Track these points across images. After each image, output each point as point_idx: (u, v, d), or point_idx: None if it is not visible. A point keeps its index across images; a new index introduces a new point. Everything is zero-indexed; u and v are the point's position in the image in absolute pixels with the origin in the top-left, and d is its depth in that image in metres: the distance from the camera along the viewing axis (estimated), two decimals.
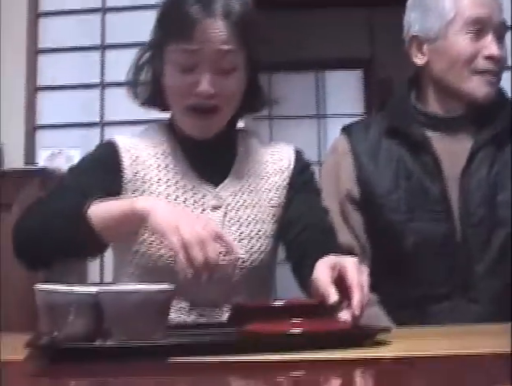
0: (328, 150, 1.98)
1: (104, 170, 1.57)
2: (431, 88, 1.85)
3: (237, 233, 1.57)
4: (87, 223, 1.36)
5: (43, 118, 3.73)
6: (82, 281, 3.36)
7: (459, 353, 1.05)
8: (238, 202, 1.61)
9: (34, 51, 3.76)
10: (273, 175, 1.66)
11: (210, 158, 1.61)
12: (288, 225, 1.63)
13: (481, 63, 1.75)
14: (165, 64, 1.55)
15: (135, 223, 1.37)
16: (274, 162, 1.68)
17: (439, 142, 1.80)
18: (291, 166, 1.67)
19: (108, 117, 3.67)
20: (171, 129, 1.65)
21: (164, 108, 1.63)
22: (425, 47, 1.82)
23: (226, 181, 1.62)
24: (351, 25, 5.83)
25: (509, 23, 1.80)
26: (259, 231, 1.60)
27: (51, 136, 3.69)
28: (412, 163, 1.79)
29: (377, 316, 1.69)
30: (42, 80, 3.76)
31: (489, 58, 1.75)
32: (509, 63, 1.87)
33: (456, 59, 1.77)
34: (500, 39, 1.78)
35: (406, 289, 1.76)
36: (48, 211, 1.46)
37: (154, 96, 1.62)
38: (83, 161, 1.64)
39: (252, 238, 1.58)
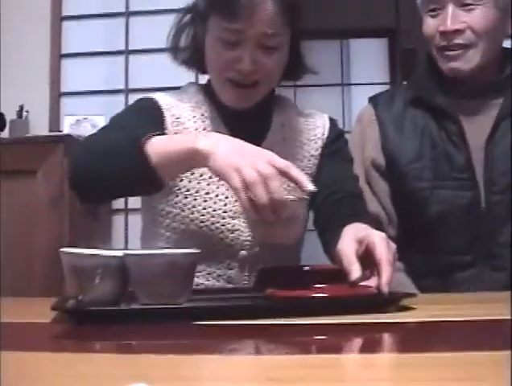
0: (354, 120, 1.97)
1: (150, 120, 1.53)
2: None
3: None
4: (144, 158, 1.26)
5: (67, 85, 3.74)
6: (107, 246, 3.39)
7: (481, 319, 1.05)
8: None
9: (58, 18, 3.76)
10: (307, 144, 1.66)
11: (246, 124, 1.58)
12: (318, 190, 1.62)
13: (438, 40, 1.76)
14: (207, 33, 1.53)
15: (196, 162, 1.27)
16: (309, 130, 1.67)
17: (463, 111, 1.79)
18: (325, 136, 1.67)
19: (132, 84, 3.67)
20: (208, 92, 1.62)
21: (203, 71, 1.62)
22: None
23: (261, 147, 1.60)
24: None
25: None
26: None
27: (76, 103, 3.70)
28: (437, 132, 1.79)
29: (403, 283, 1.70)
30: (66, 48, 3.77)
31: (443, 33, 1.74)
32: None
33: (426, 37, 1.80)
34: (466, 6, 1.73)
35: (431, 257, 1.77)
36: (104, 146, 1.36)
37: (194, 59, 1.61)
38: (127, 110, 1.60)
39: None
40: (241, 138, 1.57)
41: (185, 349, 0.89)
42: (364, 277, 1.22)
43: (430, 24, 1.77)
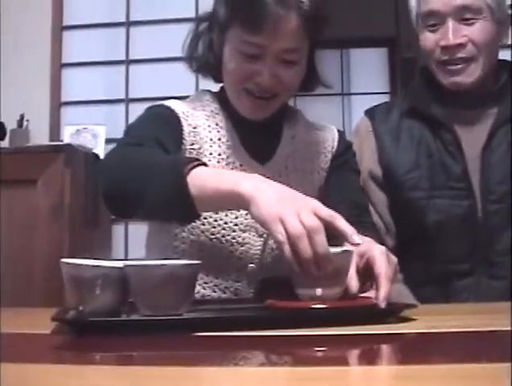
0: (351, 132, 1.98)
1: (171, 131, 1.50)
2: None
3: None
4: (185, 190, 1.20)
5: (68, 95, 3.75)
6: (107, 255, 3.38)
7: (482, 330, 1.05)
8: (283, 182, 1.56)
9: (59, 28, 3.77)
10: (317, 157, 1.65)
11: (259, 135, 1.59)
12: (324, 200, 1.62)
13: (438, 55, 1.77)
14: (226, 43, 1.51)
15: (237, 205, 1.21)
16: (319, 143, 1.67)
17: (459, 121, 1.81)
18: (334, 149, 1.67)
19: (132, 94, 3.68)
20: (222, 101, 1.61)
21: (219, 80, 1.60)
22: None
23: (272, 161, 1.60)
24: (376, 3, 5.79)
25: (479, 4, 1.76)
26: None
27: (76, 113, 3.70)
28: (433, 142, 1.81)
29: (402, 293, 1.70)
30: (67, 57, 3.77)
31: (445, 48, 1.75)
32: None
33: (424, 53, 1.81)
34: (466, 21, 1.75)
35: (429, 266, 1.78)
36: (143, 165, 1.30)
37: (210, 67, 1.59)
38: (145, 118, 1.54)
39: None
40: (254, 150, 1.58)
41: (185, 360, 0.89)
42: (363, 290, 1.22)
43: (429, 39, 1.78)
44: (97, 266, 1.08)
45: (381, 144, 1.86)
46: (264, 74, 1.46)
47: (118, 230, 3.63)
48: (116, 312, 1.10)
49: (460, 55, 1.74)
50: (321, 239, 1.08)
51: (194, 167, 1.22)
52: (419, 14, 1.81)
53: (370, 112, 1.94)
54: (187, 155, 1.52)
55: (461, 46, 1.73)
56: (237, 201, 1.17)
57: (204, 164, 1.26)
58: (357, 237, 1.13)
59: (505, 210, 1.73)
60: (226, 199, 1.19)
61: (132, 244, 3.59)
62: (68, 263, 1.09)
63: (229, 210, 1.47)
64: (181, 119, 1.53)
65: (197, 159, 1.27)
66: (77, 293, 1.08)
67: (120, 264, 1.10)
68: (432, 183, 1.78)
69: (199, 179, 1.21)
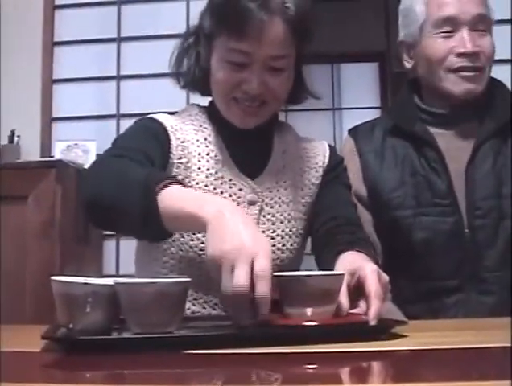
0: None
1: (158, 144, 1.49)
2: (425, 87, 1.90)
3: (271, 231, 1.56)
4: (154, 209, 1.19)
5: (58, 111, 3.75)
6: (98, 271, 3.38)
7: (474, 346, 1.04)
8: (273, 198, 1.58)
9: (50, 44, 3.77)
10: (307, 172, 1.65)
11: (248, 149, 1.58)
12: (315, 216, 1.62)
13: (454, 61, 1.78)
14: (212, 54, 1.52)
15: (198, 228, 1.22)
16: (309, 158, 1.67)
17: (443, 138, 1.82)
18: (326, 164, 1.67)
19: (123, 110, 3.68)
20: (211, 115, 1.61)
21: (207, 94, 1.60)
22: (411, 51, 1.88)
23: (263, 175, 1.59)
24: (367, 18, 5.81)
25: (490, 18, 1.81)
26: (292, 228, 1.59)
27: (67, 128, 3.70)
28: (417, 160, 1.82)
29: (390, 311, 1.69)
30: (58, 73, 3.77)
31: (462, 55, 1.76)
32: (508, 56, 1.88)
33: (431, 60, 1.81)
34: (479, 31, 1.78)
35: (417, 283, 1.78)
36: (118, 178, 1.29)
37: (197, 81, 1.59)
38: (134, 131, 1.53)
39: (285, 236, 1.57)
40: (244, 164, 1.57)
41: (176, 379, 0.89)
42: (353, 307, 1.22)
43: (441, 45, 1.78)
44: (87, 283, 1.07)
45: (365, 163, 1.87)
46: (252, 82, 1.46)
47: (109, 246, 3.62)
48: (106, 330, 1.09)
49: (476, 63, 1.76)
50: (265, 286, 1.06)
51: (167, 185, 1.21)
52: (427, 21, 1.80)
53: (354, 132, 1.95)
54: (175, 169, 1.52)
55: (476, 54, 1.75)
56: (198, 225, 1.17)
57: (179, 182, 1.25)
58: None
59: (491, 225, 1.73)
60: (189, 221, 1.18)
61: (123, 260, 3.58)
62: (58, 280, 1.08)
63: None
64: (169, 132, 1.53)
65: (172, 176, 1.28)
66: (67, 311, 1.07)
67: (110, 281, 1.09)
68: (418, 201, 1.79)
69: (169, 199, 1.20)
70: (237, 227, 1.11)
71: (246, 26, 1.41)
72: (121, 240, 3.59)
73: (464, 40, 1.75)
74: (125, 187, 1.25)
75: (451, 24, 1.77)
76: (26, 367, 0.99)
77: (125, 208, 1.24)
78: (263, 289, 1.06)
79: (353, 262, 1.31)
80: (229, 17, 1.44)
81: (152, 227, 1.22)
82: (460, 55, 1.76)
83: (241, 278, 1.05)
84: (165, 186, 1.21)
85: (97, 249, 3.56)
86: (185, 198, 1.21)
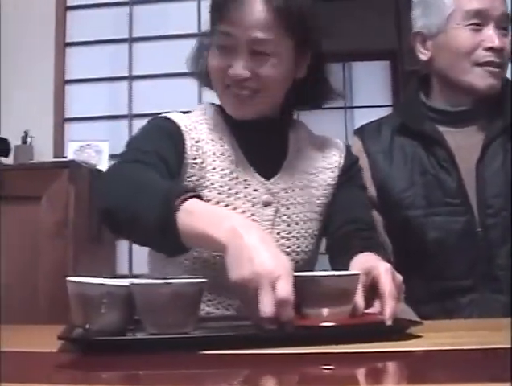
0: None
1: (172, 145, 1.48)
2: (437, 83, 1.88)
3: (286, 232, 1.54)
4: (171, 225, 1.18)
5: (71, 111, 3.75)
6: (111, 271, 3.38)
7: (488, 347, 1.04)
8: (289, 199, 1.57)
9: (62, 44, 3.78)
10: (323, 172, 1.64)
11: (263, 149, 1.57)
12: (331, 217, 1.62)
13: (482, 55, 1.76)
14: (211, 45, 1.53)
15: (215, 250, 1.24)
16: (325, 158, 1.65)
17: (451, 137, 1.81)
18: (341, 164, 1.65)
19: (136, 110, 3.68)
20: (225, 114, 1.59)
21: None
22: (428, 42, 1.85)
23: (278, 176, 1.58)
24: (378, 16, 5.80)
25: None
26: (307, 230, 1.57)
27: (80, 129, 3.71)
28: (427, 159, 1.81)
29: (404, 311, 1.69)
30: (70, 73, 3.78)
31: (490, 49, 1.76)
32: None
33: (457, 52, 1.79)
34: (502, 29, 1.78)
35: (431, 283, 1.77)
36: (135, 187, 1.29)
37: (209, 80, 1.58)
38: (147, 131, 1.52)
39: (300, 237, 1.56)
40: (259, 165, 1.56)
41: (191, 379, 0.89)
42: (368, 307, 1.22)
43: (470, 38, 1.77)
44: (103, 284, 1.08)
45: (374, 164, 1.86)
46: (235, 66, 1.47)
47: (122, 245, 3.63)
48: (122, 330, 1.10)
49: (500, 59, 1.76)
50: (289, 310, 1.06)
51: (186, 199, 1.20)
52: (456, 12, 1.79)
53: (360, 132, 1.94)
54: (189, 169, 1.51)
55: (502, 51, 1.75)
56: (214, 247, 1.17)
57: (198, 196, 1.24)
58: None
59: (503, 223, 1.73)
60: (206, 241, 1.17)
61: (136, 260, 3.59)
62: (73, 281, 1.09)
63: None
64: (183, 132, 1.52)
65: (191, 190, 1.26)
66: (83, 312, 1.08)
67: (126, 282, 1.10)
68: (428, 201, 1.78)
69: (186, 216, 1.18)
70: (255, 248, 1.10)
71: (230, 7, 1.43)
72: None
73: (492, 35, 1.75)
74: (143, 200, 1.25)
75: (480, 17, 1.76)
76: (43, 367, 1.00)
77: (143, 221, 1.23)
78: (287, 313, 1.07)
79: (366, 262, 1.31)
80: (217, 4, 1.48)
81: (169, 242, 1.21)
82: (488, 49, 1.75)
83: (267, 307, 1.05)
84: (184, 200, 1.20)
85: (110, 249, 3.57)
86: (202, 216, 1.19)
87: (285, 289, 1.06)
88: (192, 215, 1.18)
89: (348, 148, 1.70)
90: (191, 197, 1.21)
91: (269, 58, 1.47)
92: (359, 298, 1.20)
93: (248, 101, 1.51)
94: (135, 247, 3.58)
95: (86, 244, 3.08)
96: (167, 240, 1.20)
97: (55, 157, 3.61)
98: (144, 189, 1.27)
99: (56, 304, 2.50)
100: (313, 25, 1.52)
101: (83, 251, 3.04)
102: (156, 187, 1.26)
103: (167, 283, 1.06)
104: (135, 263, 3.61)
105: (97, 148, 3.52)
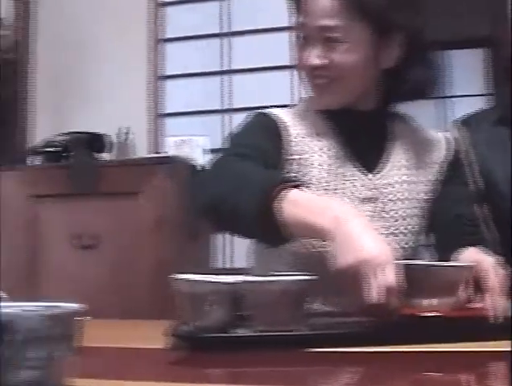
0: None
1: (272, 141, 1.49)
2: None
3: (386, 228, 1.51)
4: (271, 213, 1.19)
5: (169, 106, 3.79)
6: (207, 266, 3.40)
7: None
8: (390, 195, 1.53)
9: (157, 40, 3.82)
10: (427, 167, 1.58)
11: (365, 143, 1.54)
12: (435, 214, 1.57)
13: None
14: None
15: (318, 237, 1.24)
16: (429, 153, 1.60)
17: None
18: (446, 160, 1.60)
19: (234, 104, 3.68)
20: (328, 110, 1.56)
21: None
22: None
23: (380, 171, 1.54)
24: (475, 2, 5.67)
25: None
26: (407, 226, 1.53)
27: (178, 124, 3.74)
28: None
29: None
30: (168, 69, 3.82)
31: None
32: None
33: None
34: None
35: None
36: (234, 179, 1.31)
37: None
38: (248, 127, 1.53)
39: (399, 234, 1.52)
40: (363, 160, 1.53)
41: (298, 378, 0.88)
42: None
43: None
44: (209, 282, 1.08)
45: (479, 156, 1.82)
46: (309, 55, 1.47)
47: (219, 240, 3.63)
48: (228, 327, 1.09)
49: None
50: (395, 299, 1.08)
51: (285, 188, 1.20)
52: None
53: (462, 124, 1.90)
54: (288, 165, 1.49)
55: None
56: (317, 235, 1.19)
57: (298, 185, 1.24)
58: None
59: None
60: (308, 230, 1.19)
61: (233, 254, 3.59)
62: (181, 279, 1.09)
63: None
64: (284, 128, 1.51)
65: (290, 179, 1.26)
66: (191, 309, 1.08)
67: (231, 279, 1.09)
68: None
69: (286, 205, 1.19)
70: (360, 236, 1.12)
71: (299, 1, 1.48)
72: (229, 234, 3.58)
73: None
74: (243, 190, 1.26)
75: None
76: (151, 364, 1.00)
77: (244, 211, 1.24)
78: (393, 301, 1.08)
79: (471, 257, 1.30)
80: None
81: (270, 231, 1.22)
82: None
83: (373, 294, 1.07)
84: (283, 189, 1.20)
85: (206, 244, 3.58)
86: (305, 204, 1.20)
87: (391, 276, 1.07)
88: (295, 204, 1.19)
89: (451, 142, 1.64)
90: (291, 187, 1.22)
91: (341, 45, 1.45)
92: (462, 291, 1.19)
93: (326, 90, 1.50)
94: (232, 241, 3.59)
95: (185, 239, 3.09)
96: (268, 228, 1.21)
97: (151, 152, 3.65)
98: (244, 180, 1.29)
99: (156, 300, 2.53)
100: (395, 11, 1.46)
101: (182, 246, 3.05)
102: (256, 177, 1.28)
103: (276, 281, 1.06)
104: (230, 257, 3.61)
105: (195, 143, 3.52)
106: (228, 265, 3.58)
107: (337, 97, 1.51)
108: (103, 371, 0.90)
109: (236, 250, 3.53)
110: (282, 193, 1.20)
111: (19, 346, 0.47)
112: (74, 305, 0.55)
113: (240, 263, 3.35)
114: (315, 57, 1.46)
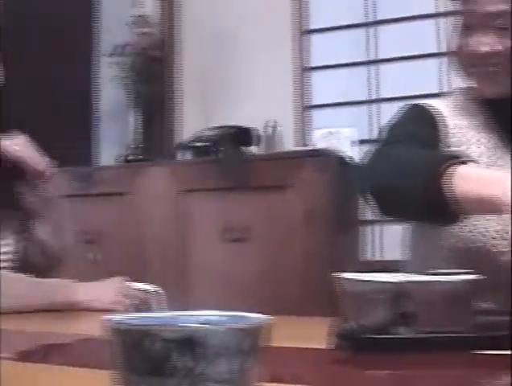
0: None
1: (430, 128, 1.48)
2: None
3: None
4: (439, 189, 1.18)
5: (315, 98, 3.77)
6: (355, 260, 3.37)
7: None
8: None
9: (302, 31, 3.81)
10: None
11: None
12: None
13: None
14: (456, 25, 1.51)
15: (494, 212, 1.19)
16: None
17: None
18: None
19: (382, 94, 3.62)
20: (474, 98, 1.55)
21: None
22: None
23: None
24: None
25: None
26: None
27: (325, 115, 3.72)
28: None
29: None
30: (313, 60, 3.81)
31: None
32: None
33: None
34: None
35: None
36: (400, 163, 1.31)
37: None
38: (405, 119, 1.53)
39: None
40: None
41: (463, 380, 0.85)
42: None
43: None
44: (372, 281, 1.06)
45: None
46: (473, 42, 1.43)
47: (368, 232, 3.58)
48: (391, 328, 1.07)
49: None
50: None
51: (454, 165, 1.19)
52: None
53: None
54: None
55: None
56: (493, 209, 1.14)
57: (466, 161, 1.21)
58: None
59: None
60: (483, 204, 1.15)
61: (383, 246, 3.54)
62: (344, 278, 1.07)
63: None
64: (440, 119, 1.49)
65: (457, 156, 1.23)
66: (352, 308, 1.07)
67: (394, 278, 1.07)
68: None
69: (457, 180, 1.17)
70: None
71: None
72: (377, 225, 3.54)
73: None
74: (410, 170, 1.26)
75: None
76: (316, 362, 1.00)
77: (412, 191, 1.23)
78: None
79: None
80: None
81: (439, 210, 1.20)
82: None
83: None
84: (451, 165, 1.18)
85: (355, 236, 3.54)
86: (474, 178, 1.18)
87: None
88: (466, 179, 1.17)
89: None
90: (459, 163, 1.20)
91: (506, 32, 1.41)
92: None
93: (495, 78, 1.45)
94: (378, 234, 3.54)
95: (334, 232, 3.06)
96: (438, 206, 1.20)
97: (297, 145, 3.65)
98: (410, 161, 1.29)
99: (307, 295, 2.53)
100: None
101: (331, 240, 3.03)
102: (422, 157, 1.28)
103: (443, 281, 1.03)
104: (378, 250, 3.57)
105: (341, 135, 3.49)
106: (377, 258, 3.53)
107: (505, 86, 1.46)
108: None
109: (385, 242, 3.48)
110: (451, 169, 1.18)
111: (211, 360, 0.47)
112: (262, 317, 0.55)
113: (389, 255, 3.31)
114: (486, 44, 1.42)
